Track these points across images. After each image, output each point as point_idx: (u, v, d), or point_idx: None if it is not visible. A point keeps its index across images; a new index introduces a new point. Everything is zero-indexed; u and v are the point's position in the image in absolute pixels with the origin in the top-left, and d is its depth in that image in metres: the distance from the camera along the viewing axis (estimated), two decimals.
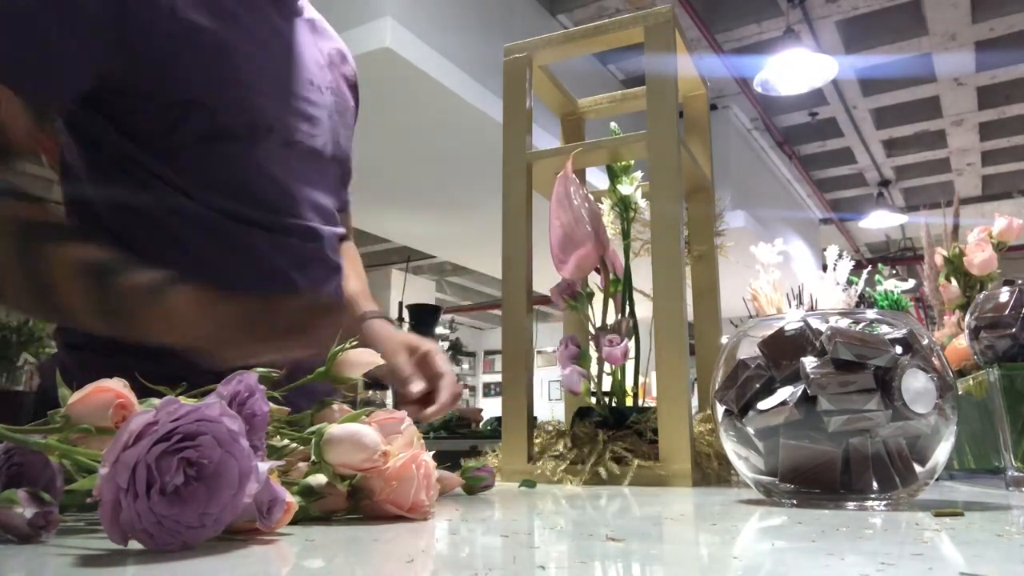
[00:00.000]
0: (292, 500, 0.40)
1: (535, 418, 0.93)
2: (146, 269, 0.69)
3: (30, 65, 0.72)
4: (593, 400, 0.91)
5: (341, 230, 0.97)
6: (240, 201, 0.82)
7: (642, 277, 0.94)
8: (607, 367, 0.90)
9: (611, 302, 0.94)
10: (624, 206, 0.96)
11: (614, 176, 0.97)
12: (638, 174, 0.98)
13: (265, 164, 0.83)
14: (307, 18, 0.97)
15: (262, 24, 0.86)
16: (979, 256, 1.13)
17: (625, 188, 0.96)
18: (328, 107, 0.93)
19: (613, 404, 0.90)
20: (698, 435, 0.87)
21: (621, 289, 0.94)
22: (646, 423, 0.86)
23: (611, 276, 0.93)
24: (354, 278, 1.03)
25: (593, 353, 0.92)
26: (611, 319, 0.94)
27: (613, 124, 1.02)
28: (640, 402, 0.92)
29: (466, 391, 10.57)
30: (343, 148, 0.97)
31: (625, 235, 0.97)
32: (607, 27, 0.99)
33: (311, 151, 0.89)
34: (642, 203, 0.97)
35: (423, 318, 5.27)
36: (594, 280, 0.96)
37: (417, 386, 0.86)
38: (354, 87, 1.06)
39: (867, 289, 1.30)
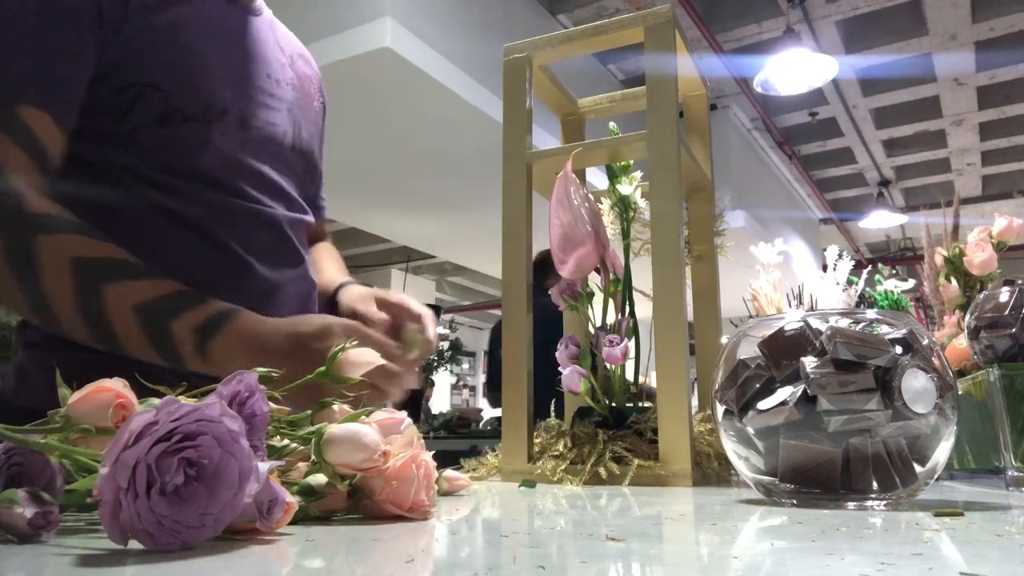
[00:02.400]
0: (292, 500, 0.40)
1: (536, 418, 0.93)
2: (200, 304, 0.69)
3: (60, 86, 0.73)
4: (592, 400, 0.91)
5: (307, 217, 0.97)
6: (194, 182, 0.82)
7: (642, 277, 0.94)
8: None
9: (611, 302, 0.94)
10: (624, 206, 0.97)
11: (613, 176, 0.97)
12: (637, 174, 0.98)
13: (220, 144, 0.83)
14: (267, 19, 0.97)
15: (214, 13, 0.86)
16: (979, 256, 1.13)
17: (625, 188, 0.96)
18: (288, 101, 0.93)
19: (612, 404, 0.90)
20: (698, 435, 0.87)
21: (621, 289, 0.94)
22: (646, 423, 0.86)
23: (611, 276, 0.93)
24: (334, 267, 1.06)
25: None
26: (611, 319, 0.94)
27: (612, 124, 1.02)
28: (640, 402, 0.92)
29: (466, 391, 10.56)
30: (306, 142, 0.97)
31: (625, 235, 0.97)
32: (607, 27, 0.99)
33: (269, 137, 0.89)
34: (642, 203, 0.97)
35: None
36: (594, 280, 0.96)
37: (377, 316, 0.87)
38: (320, 91, 1.07)
39: (867, 289, 1.30)
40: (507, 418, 0.89)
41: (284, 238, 0.90)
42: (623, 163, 0.98)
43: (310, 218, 0.98)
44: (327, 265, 1.08)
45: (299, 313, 0.86)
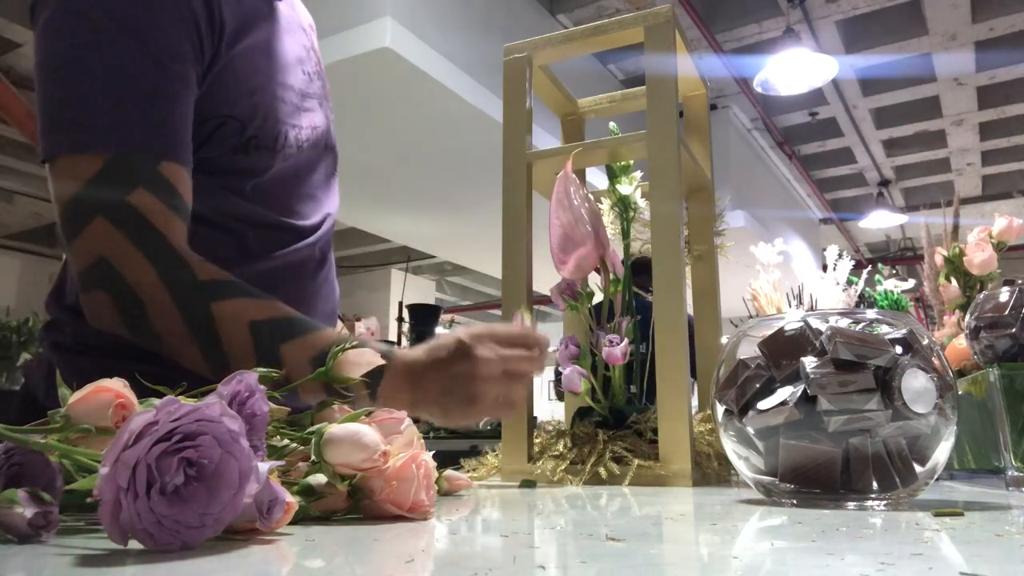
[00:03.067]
0: (292, 500, 0.40)
1: (535, 418, 0.93)
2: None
3: (185, 134, 0.72)
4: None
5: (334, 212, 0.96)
6: (269, 208, 0.82)
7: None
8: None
9: (611, 302, 0.94)
10: (624, 206, 0.97)
11: (613, 176, 0.98)
12: (637, 174, 0.98)
13: (282, 167, 0.83)
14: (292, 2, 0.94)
15: (264, 23, 0.84)
16: (979, 256, 1.13)
17: (624, 188, 0.96)
18: (318, 95, 0.92)
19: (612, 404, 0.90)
20: (698, 435, 0.87)
21: (621, 289, 0.94)
22: (646, 423, 0.86)
23: (611, 276, 0.93)
24: None
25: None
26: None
27: (612, 124, 1.02)
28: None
29: None
30: (334, 142, 0.96)
31: (625, 235, 0.97)
32: (607, 27, 0.99)
33: (315, 142, 0.88)
34: (641, 203, 0.97)
35: (423, 318, 5.26)
36: (594, 280, 0.96)
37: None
38: (320, 59, 1.03)
39: (867, 289, 1.30)
40: (506, 418, 0.89)
41: (326, 252, 0.90)
42: (623, 163, 0.98)
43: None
44: None
45: (329, 314, 0.87)
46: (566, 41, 1.02)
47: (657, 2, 4.47)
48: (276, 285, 0.78)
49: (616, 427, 0.87)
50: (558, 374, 1.00)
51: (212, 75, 0.76)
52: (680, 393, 0.84)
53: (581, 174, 1.09)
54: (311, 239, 0.87)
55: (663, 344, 0.85)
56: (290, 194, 0.85)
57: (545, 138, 2.06)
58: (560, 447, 0.86)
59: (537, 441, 0.91)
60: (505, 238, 0.95)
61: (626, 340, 0.89)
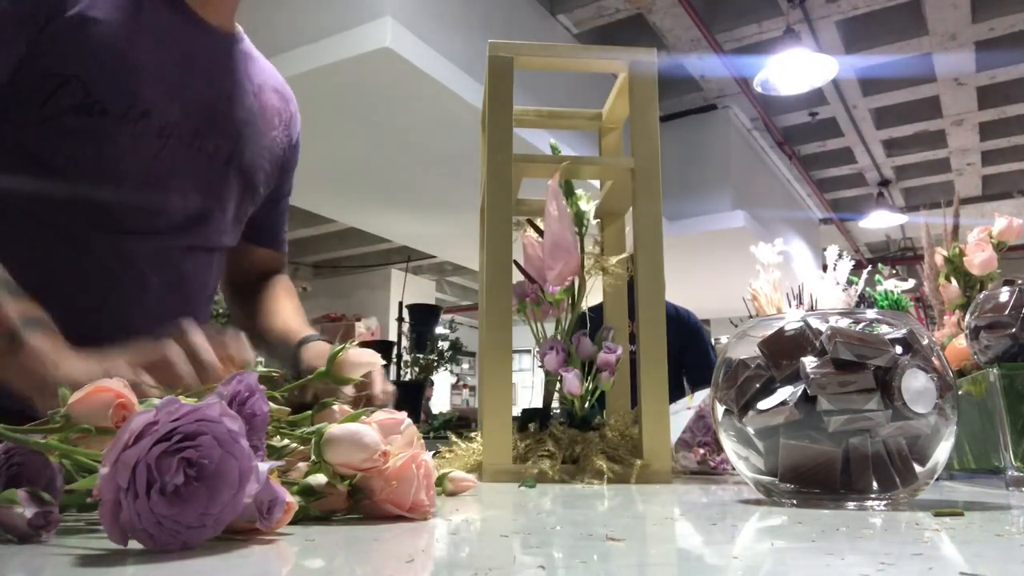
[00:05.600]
0: (292, 500, 0.40)
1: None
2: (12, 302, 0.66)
3: None
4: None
5: (226, 238, 0.97)
6: (98, 183, 0.83)
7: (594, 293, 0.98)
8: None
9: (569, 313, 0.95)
10: (579, 221, 0.97)
11: (571, 192, 0.98)
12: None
13: (132, 144, 0.83)
14: (243, 49, 0.98)
15: (159, 22, 0.87)
16: (979, 256, 1.13)
17: (584, 204, 0.97)
18: (237, 122, 0.94)
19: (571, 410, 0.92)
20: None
21: (575, 298, 0.95)
22: (605, 427, 0.89)
23: (575, 284, 0.95)
24: (294, 315, 1.04)
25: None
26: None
27: (553, 141, 1.02)
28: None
29: (466, 391, 10.56)
30: (247, 164, 0.96)
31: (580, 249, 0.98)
32: (591, 52, 0.99)
33: (198, 149, 0.89)
34: (593, 222, 0.99)
35: (423, 318, 5.27)
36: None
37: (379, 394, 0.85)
38: (287, 126, 1.05)
39: (867, 289, 1.30)
40: (489, 416, 0.87)
41: (179, 258, 0.90)
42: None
43: (229, 240, 0.98)
44: (284, 308, 1.06)
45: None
46: (550, 54, 1.02)
47: (657, 2, 4.47)
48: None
49: (581, 428, 0.89)
50: None
51: (51, 30, 0.78)
52: (661, 396, 0.87)
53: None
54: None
55: (647, 351, 0.88)
56: (145, 178, 0.86)
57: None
58: (549, 446, 0.87)
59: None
60: (490, 236, 0.93)
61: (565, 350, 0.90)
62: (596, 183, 1.10)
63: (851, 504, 0.54)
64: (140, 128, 0.83)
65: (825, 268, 1.22)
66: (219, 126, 0.91)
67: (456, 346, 5.30)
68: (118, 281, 0.85)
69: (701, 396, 1.12)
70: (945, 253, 1.19)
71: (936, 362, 0.56)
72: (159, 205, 0.87)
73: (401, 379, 4.73)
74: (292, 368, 0.93)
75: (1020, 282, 0.82)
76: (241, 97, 0.95)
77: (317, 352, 0.92)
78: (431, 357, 4.97)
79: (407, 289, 7.33)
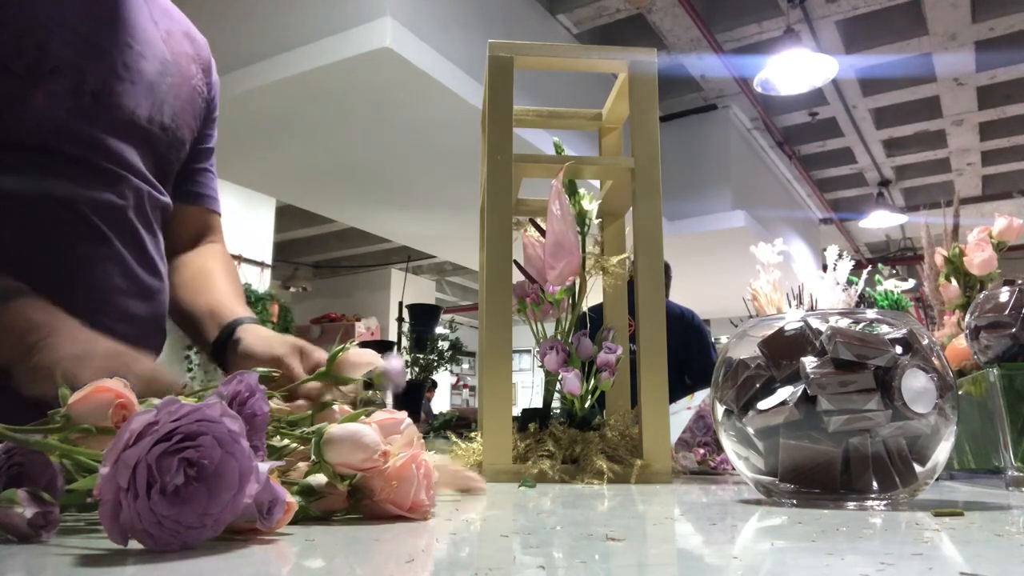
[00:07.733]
0: (292, 500, 0.40)
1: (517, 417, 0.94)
2: None
3: None
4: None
5: (162, 197, 0.91)
6: (8, 143, 0.78)
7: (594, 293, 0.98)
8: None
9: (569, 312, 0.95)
10: (581, 220, 0.97)
11: (575, 192, 0.98)
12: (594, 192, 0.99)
13: (44, 105, 0.78)
14: None
15: None
16: (979, 256, 1.13)
17: (587, 204, 0.97)
18: (149, 74, 0.88)
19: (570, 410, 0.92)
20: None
21: (575, 298, 0.95)
22: (604, 427, 0.89)
23: (576, 285, 0.95)
24: (229, 288, 0.95)
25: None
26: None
27: (556, 139, 1.02)
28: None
29: (466, 391, 10.56)
30: (168, 118, 0.90)
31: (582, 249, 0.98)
32: (592, 52, 0.99)
33: (115, 106, 0.84)
34: (595, 221, 0.99)
35: (423, 318, 5.27)
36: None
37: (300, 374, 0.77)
38: (204, 72, 0.99)
39: (867, 289, 1.30)
40: (489, 416, 0.88)
41: (114, 213, 0.84)
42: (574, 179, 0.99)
43: (165, 199, 0.91)
44: (220, 282, 0.96)
45: (100, 297, 0.81)
46: (550, 54, 1.02)
47: (657, 2, 4.47)
48: None
49: (581, 428, 0.89)
50: None
51: None
52: (661, 396, 0.87)
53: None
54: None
55: (647, 352, 0.88)
56: (64, 140, 0.81)
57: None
58: (550, 446, 0.87)
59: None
60: (490, 236, 0.93)
61: (565, 350, 0.90)
62: (596, 183, 1.10)
63: (851, 504, 0.54)
64: (50, 87, 0.78)
65: (825, 268, 1.22)
66: (131, 81, 0.85)
67: (456, 346, 5.30)
68: (73, 246, 0.80)
69: (701, 396, 1.12)
70: (945, 253, 1.19)
71: (936, 362, 0.56)
72: (82, 164, 0.81)
73: None
74: (217, 354, 0.85)
75: (1020, 282, 0.82)
76: (153, 48, 0.89)
77: (262, 338, 0.83)
78: (431, 357, 4.97)
79: (407, 289, 7.34)
